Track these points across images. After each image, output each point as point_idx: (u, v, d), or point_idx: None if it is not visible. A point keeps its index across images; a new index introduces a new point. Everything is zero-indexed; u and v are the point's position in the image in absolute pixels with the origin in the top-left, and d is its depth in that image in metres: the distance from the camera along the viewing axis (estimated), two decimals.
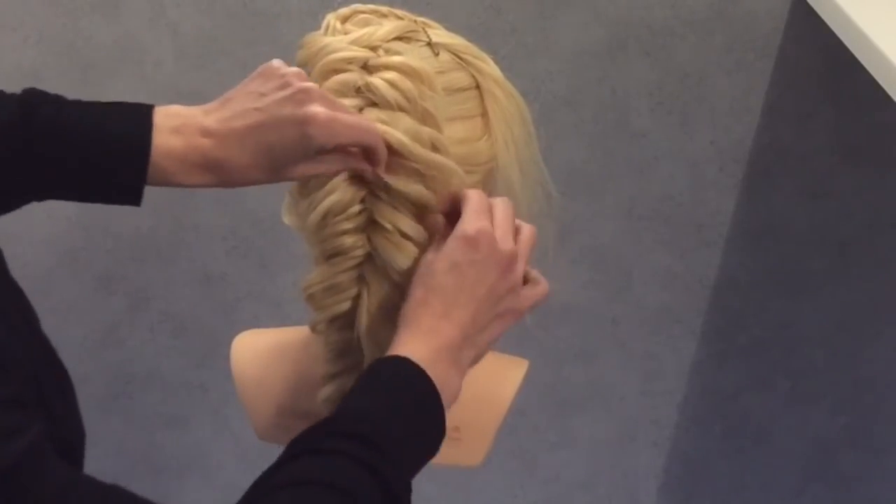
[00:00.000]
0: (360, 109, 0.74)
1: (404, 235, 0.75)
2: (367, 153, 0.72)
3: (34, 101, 0.73)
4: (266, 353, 0.90)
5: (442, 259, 0.73)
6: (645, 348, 1.57)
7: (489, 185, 0.81)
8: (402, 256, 0.75)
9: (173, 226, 1.48)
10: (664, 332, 1.55)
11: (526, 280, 0.78)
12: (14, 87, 1.39)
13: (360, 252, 0.76)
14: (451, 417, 0.81)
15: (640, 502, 1.70)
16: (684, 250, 1.49)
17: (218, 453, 1.66)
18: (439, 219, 0.77)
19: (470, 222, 0.73)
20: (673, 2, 1.32)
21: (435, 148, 0.75)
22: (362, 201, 0.75)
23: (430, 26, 0.79)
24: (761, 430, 1.62)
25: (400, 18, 0.78)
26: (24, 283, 0.76)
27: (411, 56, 0.75)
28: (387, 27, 0.76)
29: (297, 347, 0.87)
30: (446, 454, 0.82)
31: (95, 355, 1.57)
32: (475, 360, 0.75)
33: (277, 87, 0.71)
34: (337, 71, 0.75)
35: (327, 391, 0.81)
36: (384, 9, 0.79)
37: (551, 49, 1.35)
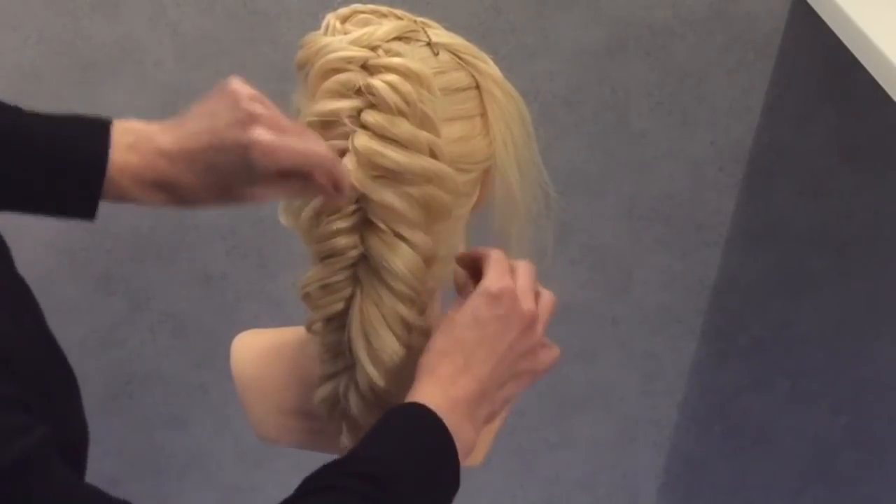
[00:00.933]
0: (360, 111, 0.74)
1: (398, 236, 0.75)
2: (328, 178, 0.71)
3: None
4: (266, 354, 0.90)
5: (464, 313, 0.74)
6: (645, 348, 1.57)
7: (486, 185, 0.81)
8: (394, 257, 0.75)
9: (173, 226, 1.48)
10: (664, 332, 1.55)
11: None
12: (14, 87, 1.39)
13: (353, 252, 0.76)
14: None
15: (640, 502, 1.70)
16: (684, 250, 1.49)
17: (218, 453, 1.66)
18: (460, 272, 0.78)
19: (493, 280, 0.74)
20: (673, 2, 1.32)
21: (432, 153, 0.75)
22: (357, 201, 0.75)
23: (429, 26, 0.79)
24: (761, 430, 1.62)
25: (399, 18, 0.78)
26: None
27: (411, 57, 0.75)
28: (386, 27, 0.76)
29: (297, 347, 0.87)
30: None
31: (95, 355, 1.57)
32: (489, 418, 0.75)
33: (228, 108, 0.70)
34: (337, 70, 0.75)
35: (323, 392, 0.81)
36: (384, 9, 0.79)
37: (551, 49, 1.35)
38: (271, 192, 0.72)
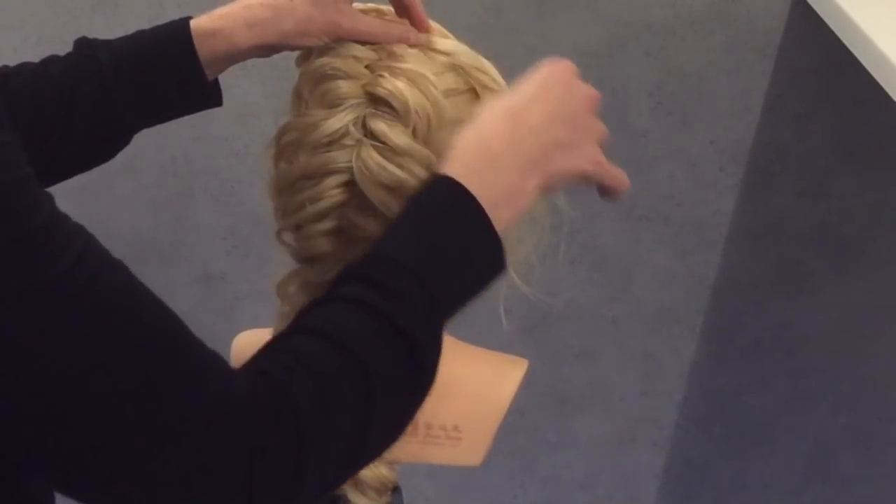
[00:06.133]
0: (364, 117, 0.73)
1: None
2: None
3: (96, 51, 0.83)
4: None
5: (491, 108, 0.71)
6: (645, 348, 1.57)
7: None
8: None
9: (173, 226, 1.48)
10: (664, 332, 1.55)
11: None
12: None
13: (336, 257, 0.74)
14: (451, 416, 0.81)
15: (640, 502, 1.70)
16: (684, 250, 1.49)
17: None
18: None
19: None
20: (673, 2, 1.32)
21: (431, 160, 0.73)
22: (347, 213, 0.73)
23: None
24: (761, 430, 1.62)
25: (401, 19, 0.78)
26: None
27: (413, 59, 0.74)
28: None
29: None
30: (446, 454, 0.82)
31: None
32: (544, 175, 0.71)
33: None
34: (339, 71, 0.74)
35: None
36: (384, 8, 0.79)
37: (551, 49, 1.35)
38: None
